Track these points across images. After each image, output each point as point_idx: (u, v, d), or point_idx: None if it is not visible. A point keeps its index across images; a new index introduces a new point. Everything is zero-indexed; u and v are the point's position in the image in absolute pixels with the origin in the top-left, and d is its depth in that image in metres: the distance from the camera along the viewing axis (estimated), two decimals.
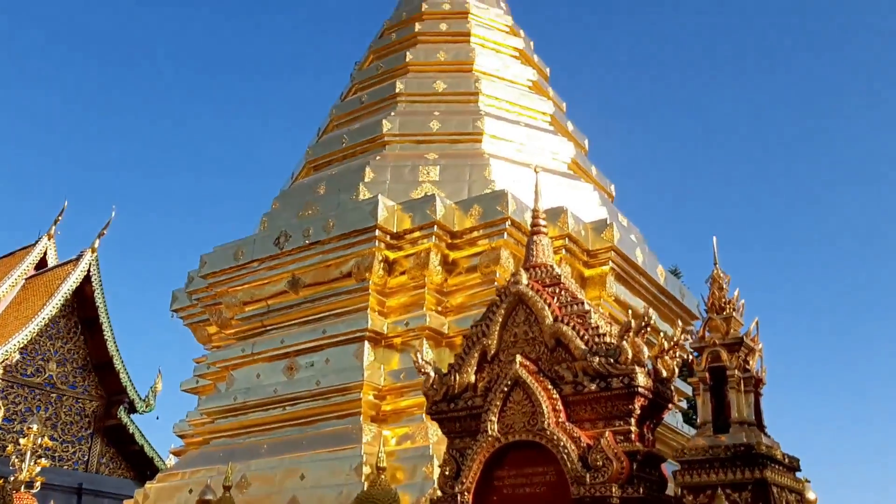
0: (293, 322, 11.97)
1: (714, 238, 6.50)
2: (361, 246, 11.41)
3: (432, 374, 7.28)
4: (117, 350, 25.47)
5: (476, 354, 6.97)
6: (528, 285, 6.95)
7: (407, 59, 14.93)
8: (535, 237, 7.61)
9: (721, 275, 6.48)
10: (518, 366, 6.61)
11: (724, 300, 6.44)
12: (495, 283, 11.19)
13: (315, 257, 11.83)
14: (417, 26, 15.52)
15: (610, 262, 12.01)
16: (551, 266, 7.24)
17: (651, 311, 6.88)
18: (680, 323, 12.64)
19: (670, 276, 13.73)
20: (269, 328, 12.27)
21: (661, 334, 7.43)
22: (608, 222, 12.23)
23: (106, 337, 25.43)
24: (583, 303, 6.88)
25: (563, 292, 6.95)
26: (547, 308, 6.76)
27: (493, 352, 6.93)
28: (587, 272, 12.10)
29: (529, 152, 13.63)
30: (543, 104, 14.95)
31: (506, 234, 11.35)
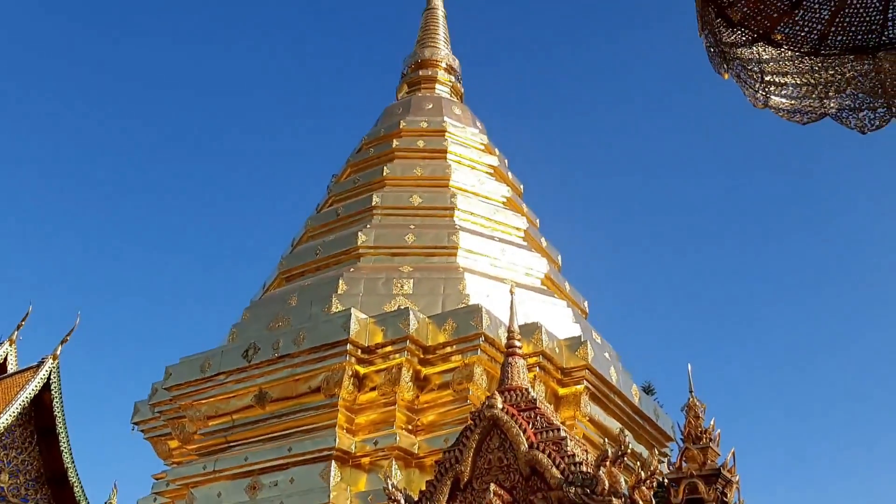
0: (258, 438, 11.56)
1: (689, 366, 6.40)
2: (332, 360, 11.18)
3: (402, 501, 6.96)
4: (73, 462, 24.26)
5: (448, 482, 6.69)
6: (502, 409, 6.76)
7: (384, 174, 15.12)
8: (510, 358, 7.48)
9: (697, 403, 6.34)
10: (492, 495, 6.33)
11: (700, 429, 6.28)
12: (468, 401, 10.96)
13: (284, 371, 11.56)
14: (395, 142, 15.81)
15: (584, 380, 11.86)
16: (526, 389, 7.08)
17: (627, 436, 6.70)
18: (655, 447, 12.38)
19: (644, 395, 13.56)
20: (232, 444, 11.82)
21: (637, 461, 7.23)
22: (582, 339, 12.15)
23: (62, 448, 24.29)
24: (558, 428, 6.68)
25: (538, 417, 6.76)
26: (522, 434, 6.55)
27: (465, 479, 6.65)
28: (561, 391, 11.91)
29: (504, 267, 13.66)
30: (517, 220, 15.11)
31: (480, 350, 11.21)
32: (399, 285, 12.52)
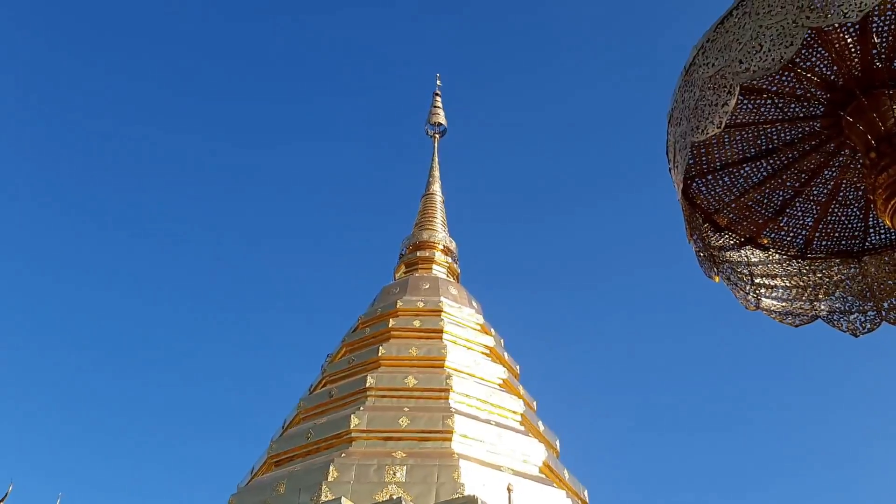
0: None
1: None
2: None
3: None
4: None
5: None
6: None
7: (380, 353, 15.09)
8: None
9: None
10: None
11: None
12: None
13: None
14: (392, 321, 15.91)
15: None
16: None
17: None
18: None
19: None
20: None
21: None
22: None
23: None
24: None
25: None
26: None
27: None
28: None
29: (500, 453, 13.32)
30: (514, 403, 14.91)
31: None
32: (391, 472, 12.15)
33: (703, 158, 6.02)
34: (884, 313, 6.25)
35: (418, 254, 18.87)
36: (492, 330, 16.87)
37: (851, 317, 6.28)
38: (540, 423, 15.33)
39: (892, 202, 5.05)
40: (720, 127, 4.91)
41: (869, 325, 6.25)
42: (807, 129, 5.72)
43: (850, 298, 6.31)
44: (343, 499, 10.96)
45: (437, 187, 20.55)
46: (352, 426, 13.26)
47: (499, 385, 15.34)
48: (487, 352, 16.14)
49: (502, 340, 17.06)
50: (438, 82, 23.92)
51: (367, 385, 14.27)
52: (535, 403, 16.13)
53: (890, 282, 6.24)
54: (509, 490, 7.71)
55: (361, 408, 13.72)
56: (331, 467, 12.24)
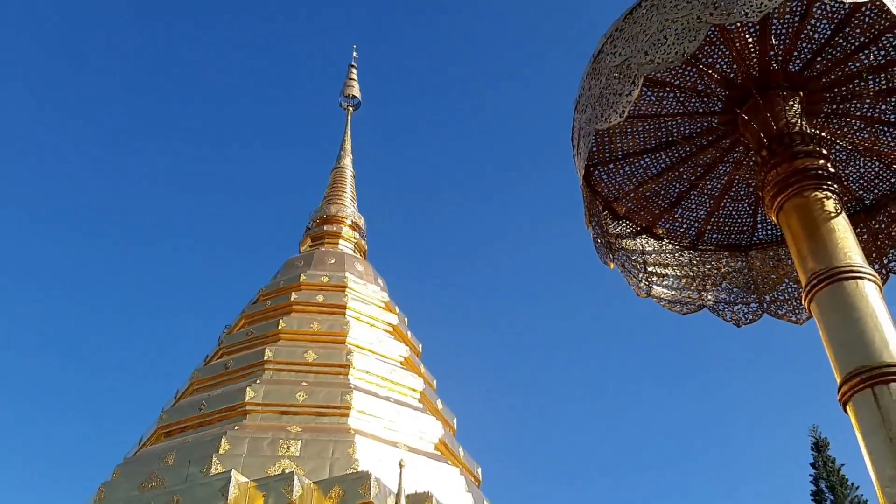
0: None
1: None
2: None
3: None
4: None
5: None
6: None
7: (280, 327, 14.84)
8: None
9: None
10: None
11: None
12: None
13: None
14: (294, 295, 15.66)
15: None
16: None
17: None
18: None
19: None
20: None
21: None
22: None
23: None
24: None
25: None
26: None
27: None
28: None
29: (397, 431, 13.34)
30: (414, 381, 14.95)
31: None
32: (286, 446, 12.00)
33: (607, 147, 6.14)
34: (765, 305, 6.56)
35: (325, 228, 18.62)
36: (396, 308, 16.84)
37: (736, 307, 6.56)
38: (438, 402, 15.44)
39: (778, 199, 5.27)
40: (623, 116, 5.00)
41: (751, 317, 6.55)
42: (705, 124, 5.91)
43: (735, 290, 6.59)
44: (234, 472, 10.75)
45: (347, 161, 20.28)
46: (247, 399, 13.01)
47: (400, 363, 15.34)
48: (391, 330, 16.10)
49: (406, 319, 17.05)
50: (355, 54, 23.61)
51: (266, 358, 14.03)
52: (434, 382, 16.23)
53: (773, 276, 6.55)
54: (401, 465, 7.72)
55: (258, 381, 13.49)
56: (223, 440, 11.99)
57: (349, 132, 21.55)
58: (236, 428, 12.43)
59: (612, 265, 6.21)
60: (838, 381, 4.69)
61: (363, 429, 12.90)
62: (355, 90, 22.57)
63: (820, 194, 5.17)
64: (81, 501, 11.98)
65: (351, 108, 22.31)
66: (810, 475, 31.83)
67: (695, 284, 6.58)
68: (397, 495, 7.47)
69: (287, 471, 11.20)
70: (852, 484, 30.91)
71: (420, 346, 16.85)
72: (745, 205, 6.49)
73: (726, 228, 6.66)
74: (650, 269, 6.49)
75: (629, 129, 6.03)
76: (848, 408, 4.66)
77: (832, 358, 4.79)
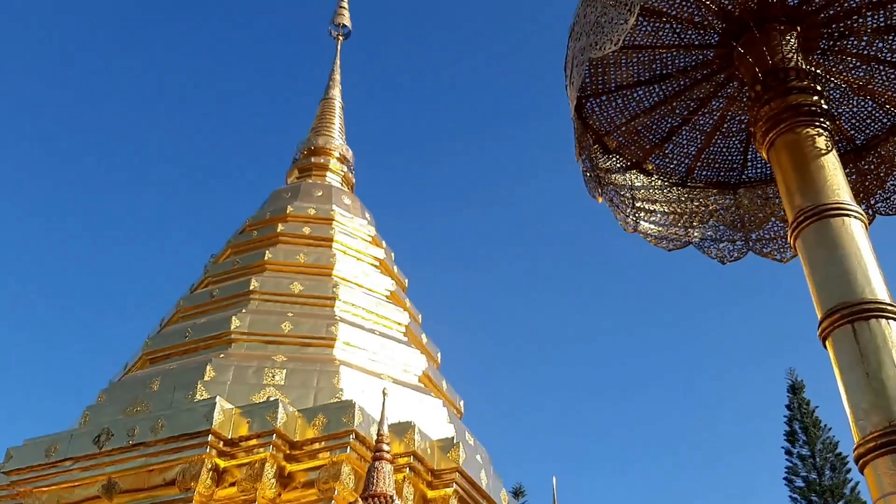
0: None
1: (554, 479, 6.39)
2: (191, 451, 10.53)
3: None
4: None
5: None
6: None
7: (266, 258, 14.82)
8: (377, 463, 7.28)
9: None
10: None
11: None
12: (333, 501, 10.53)
13: (138, 460, 10.79)
14: (280, 227, 15.60)
15: (454, 483, 11.66)
16: (391, 497, 6.88)
17: None
18: None
19: (513, 501, 13.46)
20: None
21: None
22: (455, 441, 11.99)
23: None
24: None
25: None
26: None
27: None
28: (430, 493, 11.64)
29: (382, 362, 13.47)
30: (399, 315, 15.04)
31: (349, 448, 10.84)
32: (270, 375, 12.10)
33: (600, 78, 6.06)
34: (751, 244, 6.60)
35: (313, 160, 18.44)
36: (383, 242, 16.83)
37: (721, 245, 6.60)
38: (423, 336, 15.57)
39: (770, 135, 5.24)
40: (618, 45, 4.92)
41: (736, 254, 6.59)
42: (700, 57, 5.83)
43: (722, 228, 6.61)
44: (219, 398, 10.84)
45: (336, 92, 19.97)
46: (232, 328, 13.06)
47: (386, 297, 15.40)
48: (377, 264, 16.12)
49: (392, 254, 17.07)
50: None
51: (251, 288, 14.04)
52: (420, 317, 16.33)
53: (760, 214, 6.57)
54: (384, 394, 7.82)
55: (244, 310, 13.52)
56: (208, 367, 12.06)
57: (339, 62, 21.18)
58: (221, 356, 12.50)
59: (600, 199, 6.21)
60: (819, 316, 4.75)
61: (348, 360, 13.01)
62: (346, 19, 22.09)
63: (812, 131, 5.15)
64: (66, 425, 12.08)
65: (341, 38, 21.88)
66: (785, 416, 32.66)
67: (682, 221, 6.60)
68: (380, 423, 7.57)
69: (272, 398, 11.31)
70: (825, 425, 31.76)
71: (406, 280, 16.91)
72: (736, 142, 6.46)
73: (716, 166, 6.65)
74: (638, 204, 6.49)
75: (623, 61, 5.95)
76: (827, 343, 4.73)
77: (814, 294, 4.83)
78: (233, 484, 10.62)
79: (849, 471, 29.78)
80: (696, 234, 6.58)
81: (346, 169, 18.84)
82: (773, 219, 6.59)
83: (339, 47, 21.62)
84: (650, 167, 6.44)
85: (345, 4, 22.22)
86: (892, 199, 6.31)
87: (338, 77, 20.74)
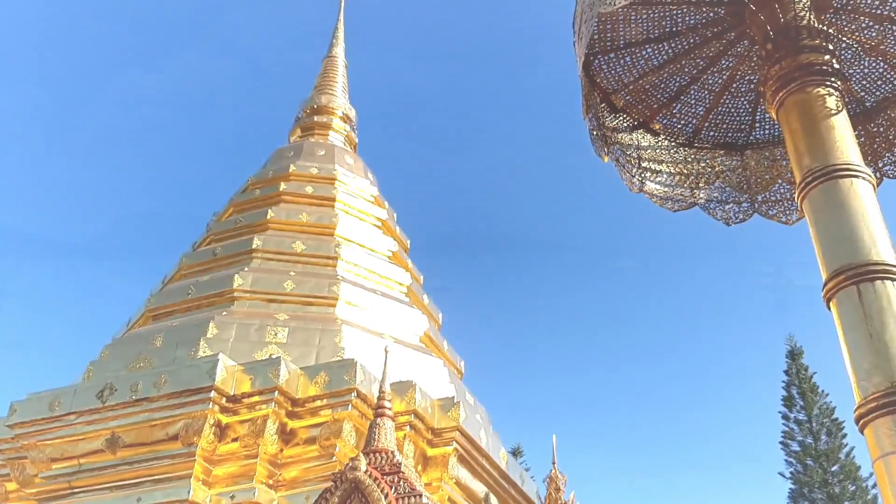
0: (106, 486, 10.78)
1: (554, 437, 6.45)
2: (194, 407, 10.62)
3: None
4: None
5: None
6: (366, 472, 6.59)
7: (268, 217, 14.80)
8: (378, 419, 7.34)
9: (559, 475, 6.39)
10: None
11: (560, 502, 6.31)
12: (334, 458, 10.65)
13: (141, 415, 10.89)
14: (283, 185, 15.55)
15: (454, 441, 11.77)
16: (392, 452, 6.94)
17: (493, 500, 6.65)
18: None
19: (512, 460, 13.59)
20: (77, 490, 10.98)
21: None
22: (455, 401, 12.08)
23: None
24: (421, 495, 6.56)
25: (401, 483, 6.62)
26: (384, 499, 6.39)
27: None
28: (430, 451, 11.76)
29: (383, 322, 13.52)
30: (401, 275, 15.06)
31: (351, 405, 10.94)
32: (273, 333, 12.15)
33: (609, 35, 5.98)
34: (756, 205, 6.57)
35: (315, 118, 18.32)
36: (385, 203, 16.79)
37: (727, 206, 6.57)
38: (424, 297, 15.61)
39: (780, 94, 5.18)
40: None
41: (742, 216, 6.57)
42: (711, 14, 5.74)
43: (727, 189, 6.58)
44: (221, 355, 10.91)
45: (339, 50, 19.77)
46: (235, 286, 13.09)
47: (388, 257, 15.41)
48: (379, 224, 16.11)
49: (395, 214, 17.04)
50: None
51: (254, 246, 14.04)
52: (421, 278, 16.36)
53: (767, 176, 6.53)
54: (385, 352, 7.86)
55: (246, 268, 13.54)
56: (210, 324, 12.12)
57: (342, 19, 20.94)
58: (224, 313, 12.55)
59: (606, 158, 6.16)
60: (824, 277, 4.73)
61: (350, 319, 13.06)
62: None
63: (822, 90, 5.09)
64: (70, 381, 12.17)
65: None
66: (783, 381, 32.90)
67: (688, 182, 6.56)
68: (381, 381, 7.61)
69: (274, 356, 11.38)
70: (822, 391, 31.99)
71: (408, 241, 16.91)
72: (745, 102, 6.40)
73: (724, 126, 6.59)
74: (644, 164, 6.45)
75: (633, 17, 5.86)
76: (831, 304, 4.72)
77: (820, 255, 4.82)
78: (235, 440, 10.73)
79: (844, 436, 30.12)
80: (701, 195, 6.55)
81: (348, 128, 18.73)
82: (779, 181, 6.55)
83: (342, 4, 21.36)
84: (657, 127, 6.38)
85: None
86: None
87: (341, 35, 20.51)
